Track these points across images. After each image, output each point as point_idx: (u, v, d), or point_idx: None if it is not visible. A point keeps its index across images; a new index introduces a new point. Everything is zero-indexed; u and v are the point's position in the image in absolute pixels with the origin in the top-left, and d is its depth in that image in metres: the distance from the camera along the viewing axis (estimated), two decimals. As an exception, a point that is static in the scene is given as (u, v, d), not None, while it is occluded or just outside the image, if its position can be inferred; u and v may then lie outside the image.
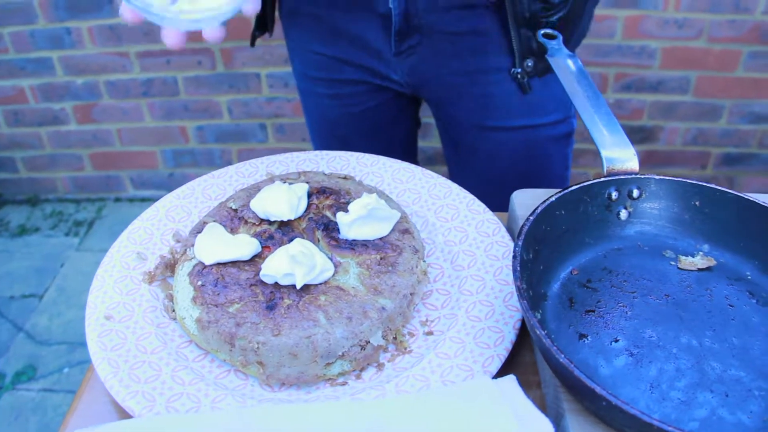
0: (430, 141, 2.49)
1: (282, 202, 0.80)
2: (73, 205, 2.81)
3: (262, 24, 1.16)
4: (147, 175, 2.78)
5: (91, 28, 2.38)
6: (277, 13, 1.18)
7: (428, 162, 2.52)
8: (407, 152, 1.34)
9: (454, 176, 1.24)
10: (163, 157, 2.72)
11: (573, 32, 1.05)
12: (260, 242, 0.78)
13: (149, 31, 2.36)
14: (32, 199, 2.84)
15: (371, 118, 1.21)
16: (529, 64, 1.04)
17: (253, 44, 1.19)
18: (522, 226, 0.67)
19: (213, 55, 2.41)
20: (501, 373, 0.66)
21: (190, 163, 2.72)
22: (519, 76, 1.06)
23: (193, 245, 0.79)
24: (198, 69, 2.45)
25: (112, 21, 2.35)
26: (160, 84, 2.50)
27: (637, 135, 2.49)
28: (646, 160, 2.55)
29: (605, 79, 2.37)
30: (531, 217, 0.68)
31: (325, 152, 0.96)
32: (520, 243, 0.65)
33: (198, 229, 0.81)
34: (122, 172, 2.78)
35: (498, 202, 0.89)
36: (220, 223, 0.80)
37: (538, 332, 0.57)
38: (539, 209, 0.69)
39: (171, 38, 0.67)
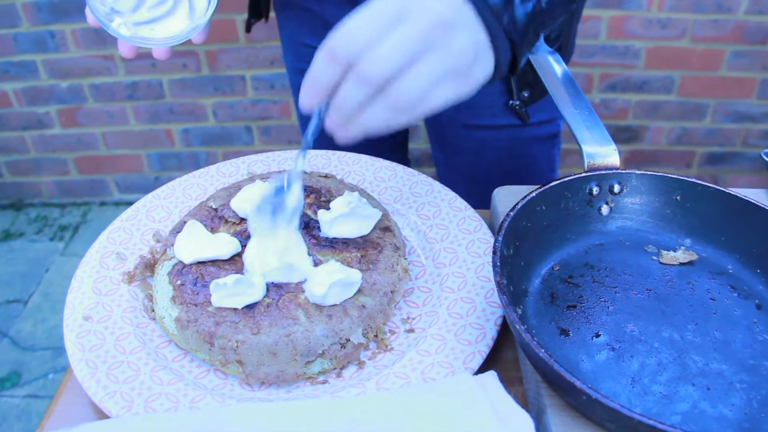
0: (417, 143, 2.49)
1: None
2: (58, 209, 2.79)
3: (256, 11, 1.15)
4: (132, 179, 2.77)
5: (75, 31, 2.36)
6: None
7: (415, 163, 2.51)
8: (397, 149, 1.33)
9: (441, 175, 1.24)
10: (149, 160, 2.70)
11: (566, 57, 1.07)
12: (240, 241, 0.77)
13: (133, 33, 2.34)
14: (16, 203, 2.82)
15: None
16: (525, 95, 1.05)
17: (248, 30, 1.19)
18: (502, 222, 0.66)
19: (198, 58, 2.40)
20: (483, 369, 0.65)
21: (176, 166, 2.71)
22: (517, 107, 1.07)
23: (173, 245, 0.78)
24: (183, 72, 2.44)
25: (96, 24, 2.34)
26: (145, 87, 2.49)
27: (622, 135, 2.50)
28: (631, 159, 2.56)
29: (590, 80, 2.37)
30: (511, 213, 0.68)
31: (307, 151, 0.95)
32: (500, 239, 0.64)
33: (178, 229, 0.81)
34: (107, 176, 2.76)
35: (485, 201, 0.89)
36: (200, 222, 0.80)
37: (518, 327, 0.56)
38: (519, 205, 0.69)
39: (126, 50, 0.79)
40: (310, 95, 0.60)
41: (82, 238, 2.64)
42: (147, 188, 2.76)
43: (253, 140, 2.62)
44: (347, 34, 0.56)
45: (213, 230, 0.80)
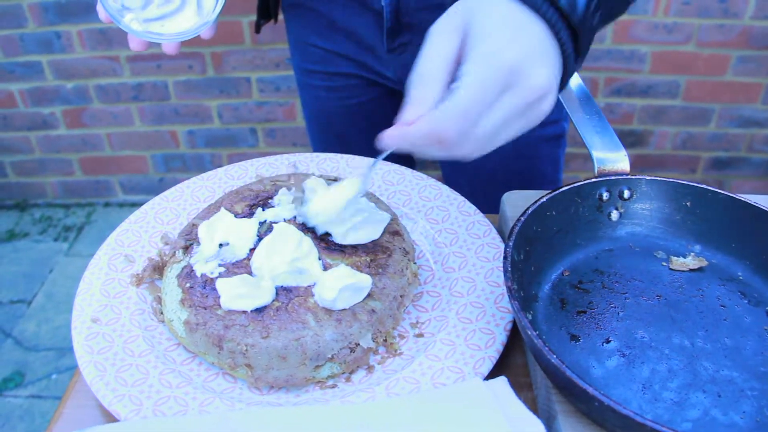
0: (421, 145, 2.49)
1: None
2: (63, 210, 2.79)
3: (265, 12, 1.16)
4: (137, 180, 2.77)
5: (81, 32, 2.37)
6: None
7: (422, 167, 2.51)
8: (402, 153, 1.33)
9: (446, 176, 1.25)
10: (154, 161, 2.70)
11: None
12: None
13: (139, 35, 2.35)
14: (21, 204, 2.82)
15: (366, 112, 1.21)
16: None
17: (258, 30, 1.19)
18: (513, 227, 0.66)
19: (203, 60, 2.40)
20: (492, 374, 0.65)
21: (181, 168, 2.71)
22: None
23: (182, 247, 0.78)
24: (188, 73, 2.45)
25: (102, 25, 2.34)
26: (150, 88, 2.49)
27: (627, 139, 2.50)
28: (636, 164, 2.56)
29: (596, 84, 2.37)
30: (522, 218, 0.68)
31: (315, 154, 0.96)
32: (510, 244, 0.64)
33: (187, 232, 0.81)
34: (112, 176, 2.76)
35: (490, 202, 0.89)
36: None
37: (529, 333, 0.56)
38: (530, 210, 0.69)
39: (136, 45, 0.79)
40: (395, 144, 0.59)
41: (86, 238, 2.64)
42: (151, 189, 2.76)
43: (258, 142, 2.62)
44: (456, 121, 0.55)
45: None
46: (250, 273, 0.73)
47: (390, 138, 0.58)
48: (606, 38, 2.26)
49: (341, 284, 0.68)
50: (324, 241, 0.77)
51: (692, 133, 2.47)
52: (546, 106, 0.58)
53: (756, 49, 2.24)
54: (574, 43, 0.60)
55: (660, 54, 2.28)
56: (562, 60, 0.60)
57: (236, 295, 0.69)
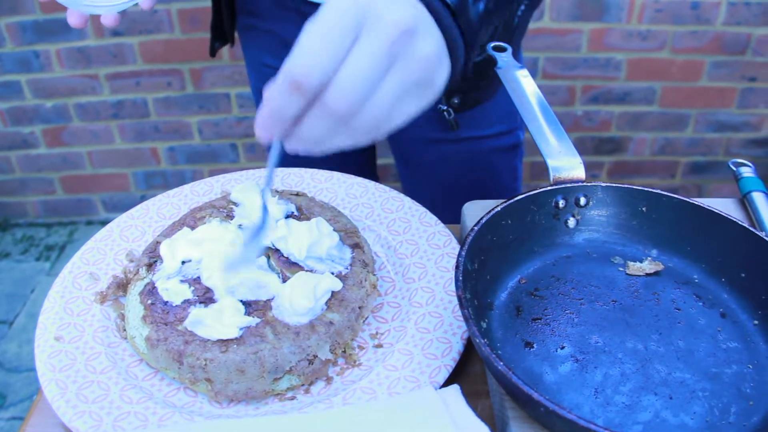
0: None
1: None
2: (44, 229, 2.79)
3: (220, 35, 1.16)
4: (119, 198, 2.77)
5: (59, 51, 2.37)
6: None
7: (395, 179, 2.52)
8: (365, 166, 1.34)
9: (406, 190, 1.25)
10: (135, 179, 2.70)
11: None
12: None
13: (118, 53, 2.36)
14: (2, 223, 2.81)
15: None
16: (455, 101, 1.05)
17: (213, 54, 1.19)
18: (466, 237, 0.67)
19: (182, 76, 2.41)
20: (451, 382, 0.66)
21: (162, 184, 2.71)
22: (445, 113, 1.06)
23: (146, 264, 0.79)
24: (168, 90, 2.45)
25: (80, 43, 2.35)
26: (130, 106, 2.50)
27: (605, 146, 2.52)
28: (614, 171, 2.58)
29: (573, 92, 2.39)
30: (475, 228, 0.68)
31: (279, 169, 0.96)
32: (463, 253, 0.65)
33: (151, 249, 0.81)
34: (93, 195, 2.76)
35: (450, 213, 0.89)
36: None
37: (477, 340, 0.57)
38: (484, 219, 0.70)
39: (74, 19, 0.77)
40: (271, 127, 0.54)
41: (68, 257, 2.62)
42: (133, 207, 2.75)
43: (238, 158, 2.62)
44: (307, 59, 0.50)
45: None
46: (206, 290, 0.73)
47: (262, 125, 0.54)
48: (582, 47, 2.29)
49: (317, 292, 0.69)
50: (283, 255, 0.77)
51: (670, 138, 2.50)
52: (421, 51, 0.52)
53: (729, 54, 2.27)
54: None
55: (635, 61, 2.31)
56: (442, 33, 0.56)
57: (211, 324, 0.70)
